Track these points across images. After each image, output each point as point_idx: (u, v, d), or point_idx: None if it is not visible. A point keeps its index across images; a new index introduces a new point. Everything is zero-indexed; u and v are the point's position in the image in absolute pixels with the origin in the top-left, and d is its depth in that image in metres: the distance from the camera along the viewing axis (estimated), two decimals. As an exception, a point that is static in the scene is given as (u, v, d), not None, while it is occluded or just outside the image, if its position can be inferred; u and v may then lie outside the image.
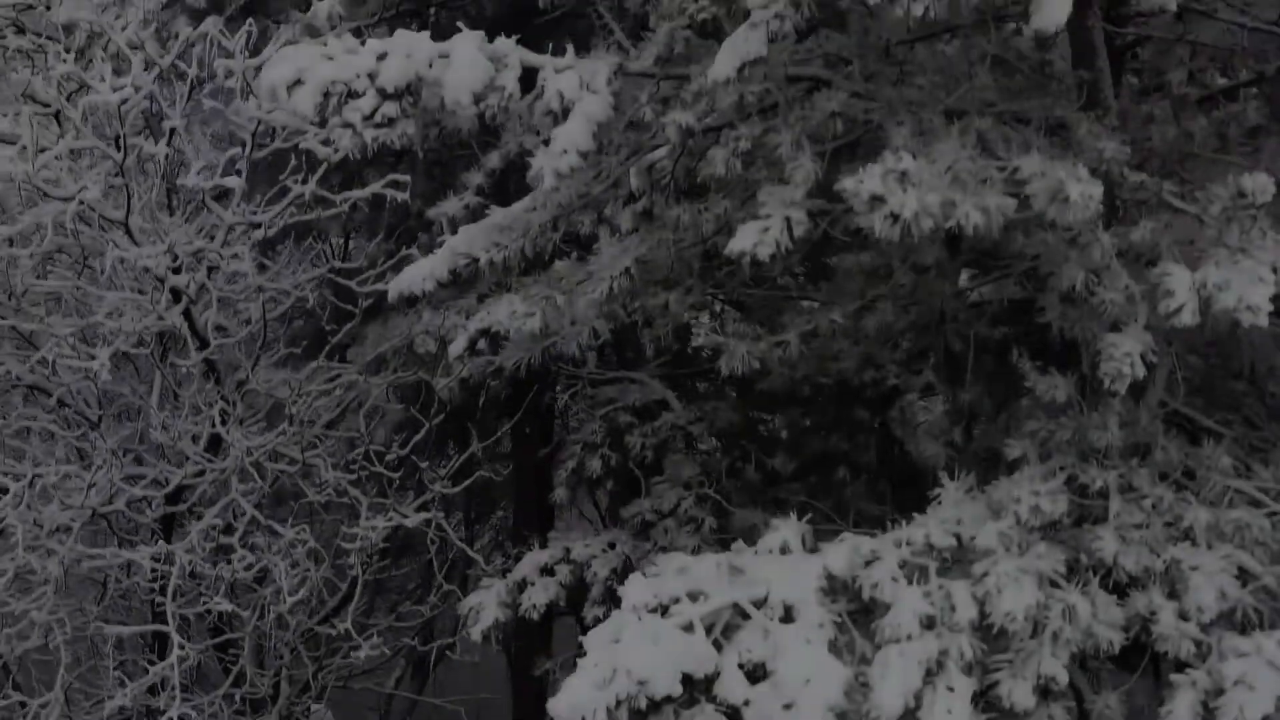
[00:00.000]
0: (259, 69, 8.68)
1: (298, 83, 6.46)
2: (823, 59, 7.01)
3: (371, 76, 6.43)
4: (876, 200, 5.31)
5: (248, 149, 8.56)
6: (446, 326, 8.82)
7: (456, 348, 7.79)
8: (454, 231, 9.43)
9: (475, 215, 9.43)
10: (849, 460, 9.53)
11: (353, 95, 6.46)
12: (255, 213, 8.97)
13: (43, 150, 8.09)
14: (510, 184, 9.58)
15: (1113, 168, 6.25)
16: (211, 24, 9.58)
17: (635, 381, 8.80)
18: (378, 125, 6.52)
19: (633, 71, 6.86)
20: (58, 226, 8.23)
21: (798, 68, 6.90)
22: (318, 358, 9.48)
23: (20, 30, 10.33)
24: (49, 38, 10.30)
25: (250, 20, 8.51)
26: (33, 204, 8.46)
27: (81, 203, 8.02)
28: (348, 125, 6.51)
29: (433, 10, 9.95)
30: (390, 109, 6.49)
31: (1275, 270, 5.78)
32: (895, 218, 5.34)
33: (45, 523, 8.41)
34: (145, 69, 8.30)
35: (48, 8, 10.13)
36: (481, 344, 7.76)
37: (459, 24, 6.62)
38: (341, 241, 10.95)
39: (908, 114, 6.46)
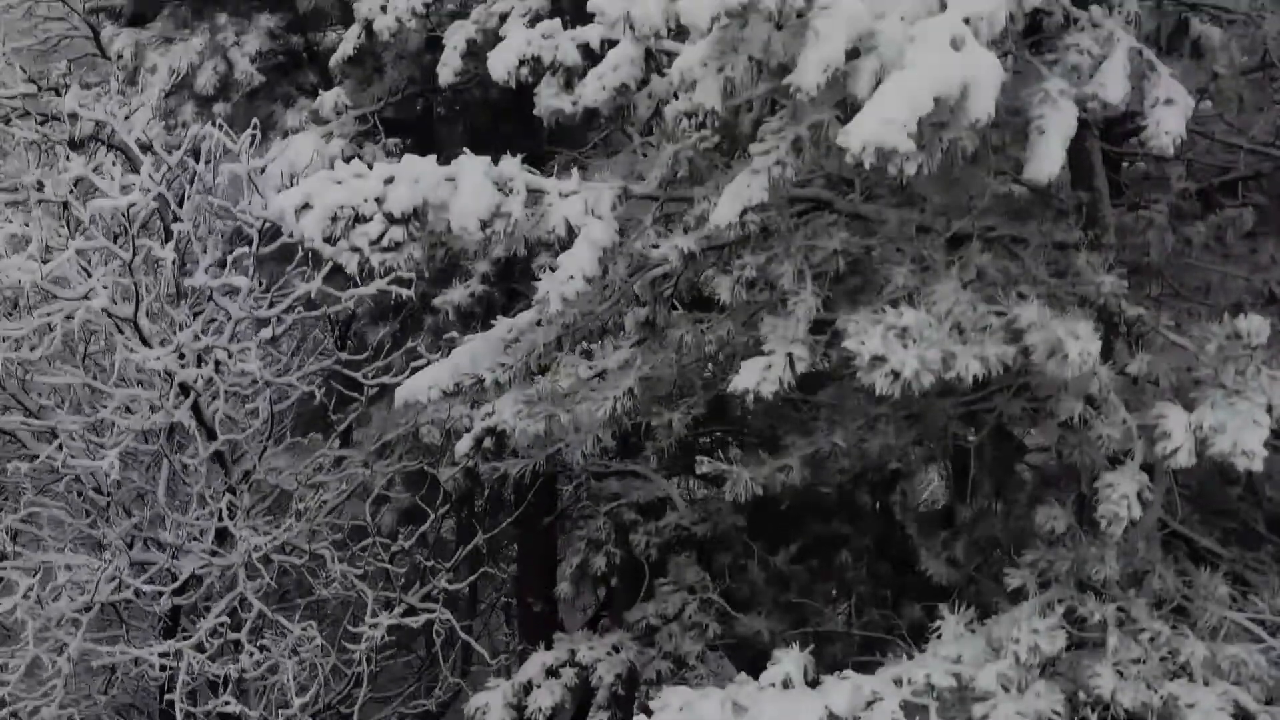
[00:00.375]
0: (264, 169, 8.81)
1: (306, 206, 6.56)
2: (824, 179, 7.08)
3: (379, 201, 6.50)
4: (878, 360, 5.40)
5: (254, 246, 8.64)
6: (452, 418, 8.89)
7: (463, 447, 7.86)
8: (459, 318, 9.58)
9: (480, 302, 9.54)
10: (850, 544, 9.63)
11: (360, 219, 6.54)
12: (263, 300, 9.04)
13: (50, 253, 8.18)
14: (515, 270, 9.65)
15: (1110, 301, 6.34)
16: (219, 110, 9.69)
17: (639, 475, 8.87)
18: (384, 249, 6.61)
19: (637, 195, 6.94)
20: (66, 326, 8.31)
21: (799, 189, 6.97)
22: (324, 443, 9.56)
23: (25, 114, 10.38)
24: (55, 118, 10.36)
25: (255, 121, 8.58)
26: (42, 301, 8.54)
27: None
28: (355, 249, 6.60)
29: (438, 96, 10.00)
30: (397, 233, 6.55)
31: (1270, 410, 5.87)
32: (896, 375, 5.43)
33: (54, 615, 8.50)
34: (153, 168, 8.37)
35: (57, 93, 10.22)
36: (488, 442, 7.85)
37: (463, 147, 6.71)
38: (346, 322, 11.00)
39: (908, 244, 6.55)
